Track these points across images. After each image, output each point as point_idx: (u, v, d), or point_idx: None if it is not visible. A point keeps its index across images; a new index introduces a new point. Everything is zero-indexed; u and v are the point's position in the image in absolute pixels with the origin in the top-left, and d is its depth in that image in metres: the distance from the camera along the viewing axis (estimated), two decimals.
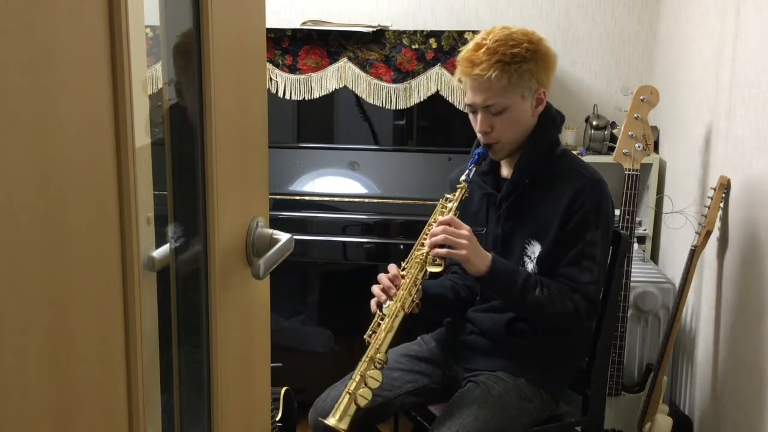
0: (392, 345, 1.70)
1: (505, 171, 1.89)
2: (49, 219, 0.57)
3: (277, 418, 2.18)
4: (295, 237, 0.99)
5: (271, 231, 0.98)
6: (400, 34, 2.76)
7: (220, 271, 0.87)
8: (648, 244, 2.92)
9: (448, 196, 1.82)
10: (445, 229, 1.70)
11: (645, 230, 2.93)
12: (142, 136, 0.69)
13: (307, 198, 2.70)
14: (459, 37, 2.74)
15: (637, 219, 2.70)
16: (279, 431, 2.18)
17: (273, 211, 2.56)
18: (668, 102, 2.78)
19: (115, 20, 0.64)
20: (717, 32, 2.39)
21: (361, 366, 1.65)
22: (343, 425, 1.57)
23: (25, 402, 0.55)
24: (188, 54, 0.82)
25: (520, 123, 1.79)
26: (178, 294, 0.82)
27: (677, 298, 2.29)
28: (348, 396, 1.61)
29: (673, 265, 2.71)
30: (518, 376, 1.80)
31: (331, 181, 2.78)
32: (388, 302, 1.72)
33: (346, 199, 2.69)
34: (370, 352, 1.67)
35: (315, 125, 2.95)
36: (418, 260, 1.74)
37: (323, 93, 2.81)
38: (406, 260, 1.79)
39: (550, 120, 1.85)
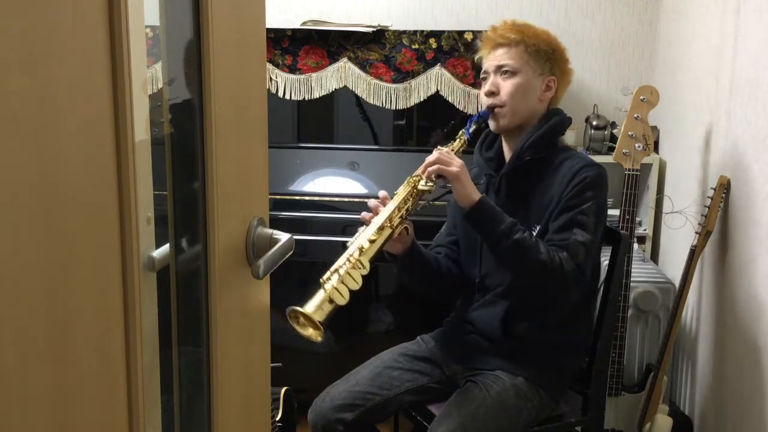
0: (390, 343, 1.70)
1: (509, 156, 1.90)
2: (49, 219, 0.57)
3: (277, 418, 2.18)
4: (295, 237, 0.99)
5: (271, 231, 0.98)
6: (400, 34, 2.76)
7: (220, 271, 0.87)
8: (648, 244, 2.92)
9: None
10: (440, 151, 1.75)
11: (645, 230, 2.93)
12: (142, 136, 0.69)
13: (307, 198, 2.69)
14: (459, 37, 2.74)
15: (637, 219, 2.69)
16: (279, 431, 2.18)
17: (273, 211, 2.56)
18: (668, 102, 2.78)
19: (115, 20, 0.64)
20: (717, 32, 2.39)
21: (340, 261, 1.56)
22: (318, 317, 1.51)
23: (25, 402, 0.55)
24: (189, 53, 0.82)
25: (526, 95, 1.83)
26: (178, 294, 0.82)
27: (677, 298, 2.29)
28: (324, 291, 1.52)
29: (673, 265, 2.71)
30: (517, 376, 1.80)
31: (331, 181, 2.78)
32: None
33: (346, 199, 2.69)
34: (351, 250, 1.58)
35: (315, 125, 2.95)
36: (410, 182, 1.74)
37: (323, 93, 2.81)
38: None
39: (560, 115, 1.89)
